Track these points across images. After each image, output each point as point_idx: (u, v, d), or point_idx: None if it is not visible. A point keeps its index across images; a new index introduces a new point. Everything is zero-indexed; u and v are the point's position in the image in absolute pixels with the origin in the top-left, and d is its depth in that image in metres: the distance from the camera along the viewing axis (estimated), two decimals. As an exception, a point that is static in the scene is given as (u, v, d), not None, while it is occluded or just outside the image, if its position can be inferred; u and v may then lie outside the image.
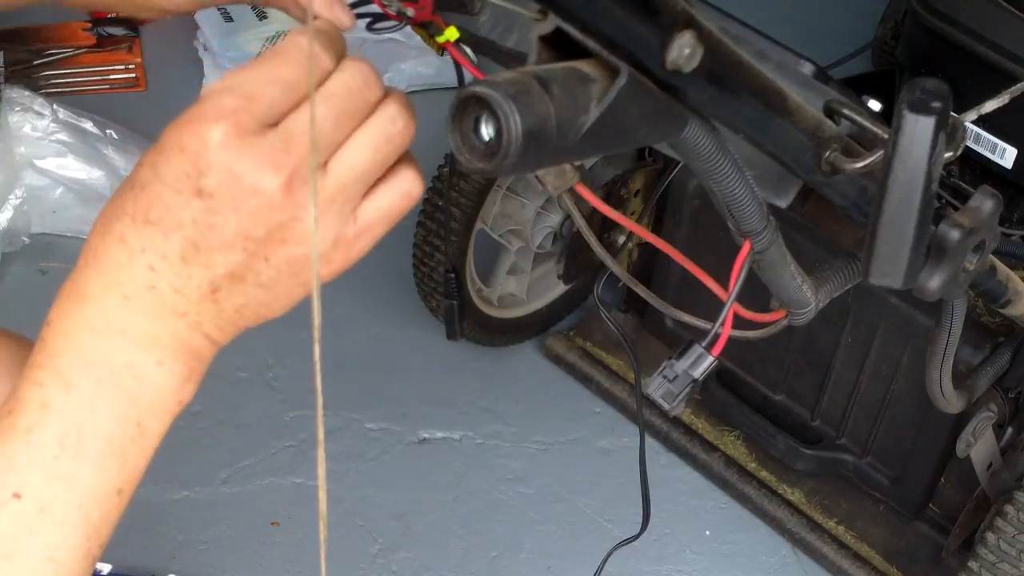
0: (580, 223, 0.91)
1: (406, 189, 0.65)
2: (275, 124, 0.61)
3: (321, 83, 0.63)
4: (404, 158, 0.66)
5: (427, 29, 0.75)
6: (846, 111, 0.81)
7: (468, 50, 0.82)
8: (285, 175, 0.60)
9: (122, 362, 0.63)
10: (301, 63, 0.62)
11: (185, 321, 0.64)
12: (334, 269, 0.65)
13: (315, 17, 0.68)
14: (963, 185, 1.56)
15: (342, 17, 0.72)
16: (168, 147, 0.60)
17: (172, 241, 0.61)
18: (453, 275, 1.58)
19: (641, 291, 0.97)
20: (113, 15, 2.28)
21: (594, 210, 0.81)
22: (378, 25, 0.75)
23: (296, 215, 0.61)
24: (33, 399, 0.63)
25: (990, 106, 0.86)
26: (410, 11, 0.72)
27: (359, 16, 0.76)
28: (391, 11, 0.72)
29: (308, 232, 0.62)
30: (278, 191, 0.60)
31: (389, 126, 0.64)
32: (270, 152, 0.60)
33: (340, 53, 0.64)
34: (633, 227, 0.87)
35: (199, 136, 0.59)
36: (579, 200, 0.81)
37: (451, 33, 0.74)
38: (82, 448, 0.63)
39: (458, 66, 0.78)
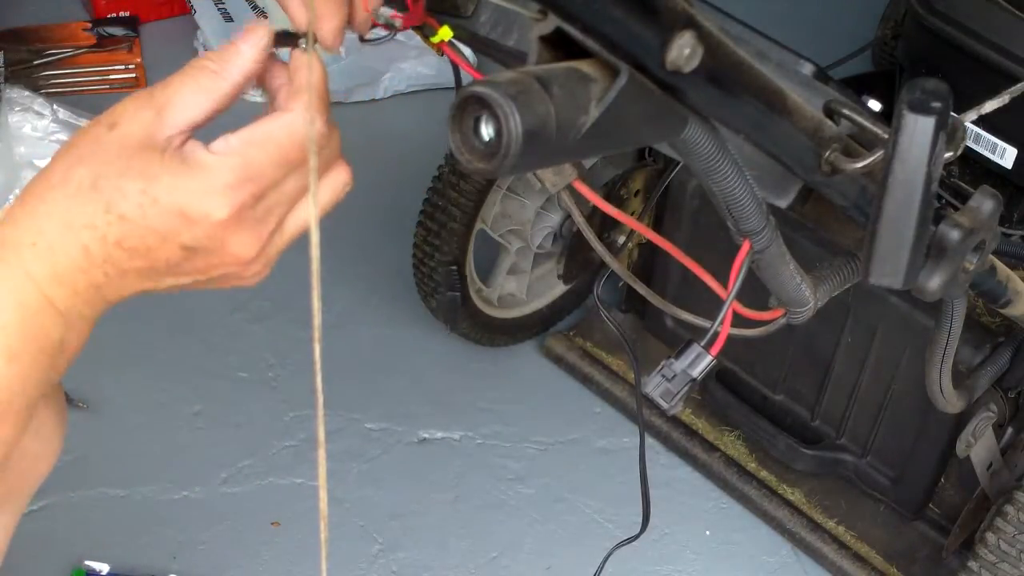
0: (579, 220, 0.91)
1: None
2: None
3: (323, 171, 0.70)
4: None
5: (420, 30, 0.75)
6: (846, 111, 0.81)
7: (466, 50, 0.82)
8: (260, 246, 0.68)
9: (56, 338, 0.69)
10: (304, 149, 0.68)
11: (108, 304, 0.70)
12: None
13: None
14: (963, 185, 1.55)
15: (335, 41, 0.72)
16: (166, 204, 0.65)
17: (136, 263, 0.67)
18: (455, 268, 1.59)
19: (641, 288, 0.97)
20: (113, 15, 2.28)
21: (594, 210, 0.81)
22: (369, 36, 0.75)
23: (250, 271, 0.69)
24: None
25: (990, 106, 0.86)
26: (397, 21, 0.73)
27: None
28: (379, 21, 0.73)
29: (255, 273, 0.70)
30: (251, 258, 0.68)
31: (338, 196, 0.72)
32: (254, 225, 0.67)
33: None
34: (632, 223, 0.87)
35: (205, 211, 0.65)
36: (579, 198, 0.81)
37: (444, 33, 0.75)
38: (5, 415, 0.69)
39: (455, 66, 0.79)
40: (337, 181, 0.72)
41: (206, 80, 0.66)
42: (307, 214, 0.70)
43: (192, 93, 0.66)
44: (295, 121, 0.67)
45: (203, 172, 0.65)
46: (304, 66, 0.69)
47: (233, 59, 0.67)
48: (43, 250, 0.66)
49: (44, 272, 0.67)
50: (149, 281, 0.68)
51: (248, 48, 0.67)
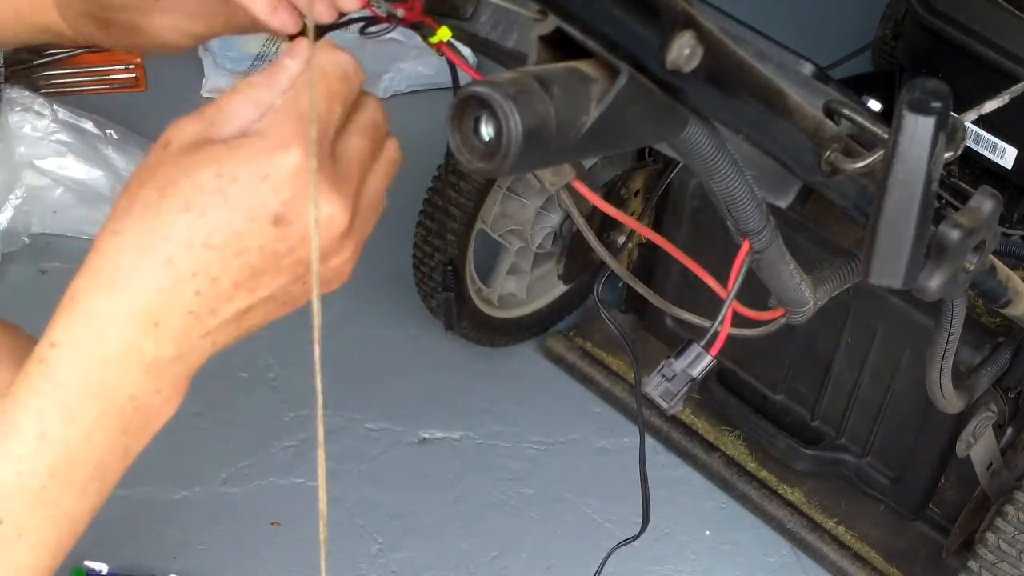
0: (579, 220, 0.91)
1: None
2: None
3: (356, 109, 0.65)
4: None
5: (419, 31, 0.75)
6: (846, 111, 0.81)
7: (466, 50, 0.81)
8: (350, 209, 0.63)
9: (128, 394, 0.63)
10: (350, 77, 0.64)
11: (203, 342, 0.63)
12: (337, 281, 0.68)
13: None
14: (963, 185, 1.56)
15: (287, 21, 0.71)
16: (245, 176, 0.60)
17: (231, 266, 0.61)
18: (451, 268, 1.59)
19: (641, 289, 0.97)
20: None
21: (594, 210, 0.80)
22: (371, 29, 0.75)
23: (348, 245, 0.64)
24: (30, 428, 0.62)
25: (990, 106, 0.86)
26: (399, 12, 0.72)
27: (352, 20, 0.76)
28: (380, 13, 0.72)
29: (348, 258, 0.64)
30: (346, 224, 0.62)
31: (394, 165, 0.68)
32: (338, 183, 0.62)
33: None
34: (631, 223, 0.87)
35: (285, 163, 0.60)
36: (578, 198, 0.81)
37: (443, 33, 0.74)
38: (71, 477, 0.63)
39: (452, 67, 0.78)
40: (387, 158, 0.67)
41: (254, 92, 0.64)
42: (380, 174, 0.66)
43: (241, 104, 0.64)
44: (319, 58, 0.63)
45: (267, 133, 0.61)
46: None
47: (280, 72, 0.66)
48: (120, 288, 0.60)
49: (117, 309, 0.61)
50: (246, 292, 0.62)
51: (294, 64, 0.66)
